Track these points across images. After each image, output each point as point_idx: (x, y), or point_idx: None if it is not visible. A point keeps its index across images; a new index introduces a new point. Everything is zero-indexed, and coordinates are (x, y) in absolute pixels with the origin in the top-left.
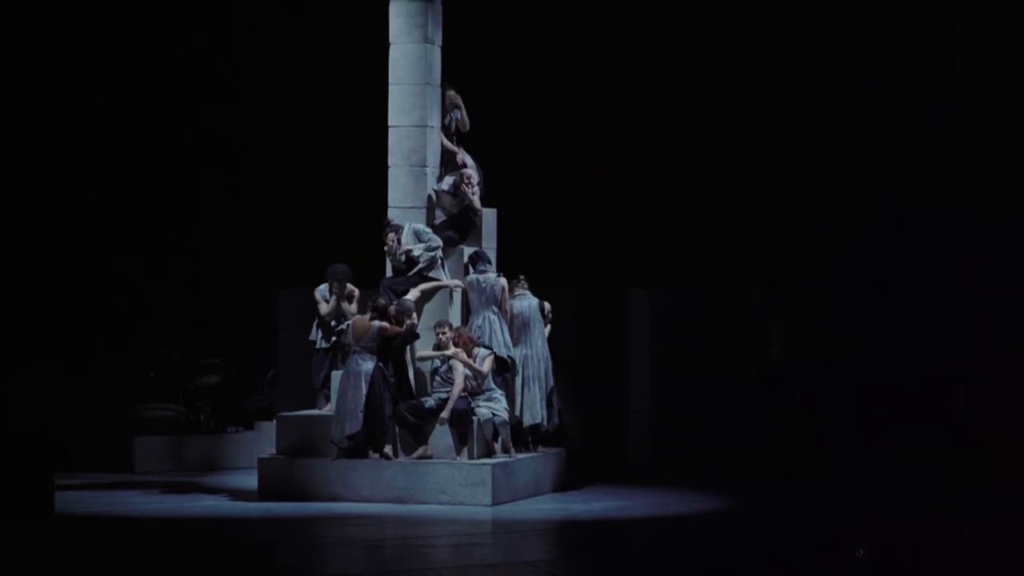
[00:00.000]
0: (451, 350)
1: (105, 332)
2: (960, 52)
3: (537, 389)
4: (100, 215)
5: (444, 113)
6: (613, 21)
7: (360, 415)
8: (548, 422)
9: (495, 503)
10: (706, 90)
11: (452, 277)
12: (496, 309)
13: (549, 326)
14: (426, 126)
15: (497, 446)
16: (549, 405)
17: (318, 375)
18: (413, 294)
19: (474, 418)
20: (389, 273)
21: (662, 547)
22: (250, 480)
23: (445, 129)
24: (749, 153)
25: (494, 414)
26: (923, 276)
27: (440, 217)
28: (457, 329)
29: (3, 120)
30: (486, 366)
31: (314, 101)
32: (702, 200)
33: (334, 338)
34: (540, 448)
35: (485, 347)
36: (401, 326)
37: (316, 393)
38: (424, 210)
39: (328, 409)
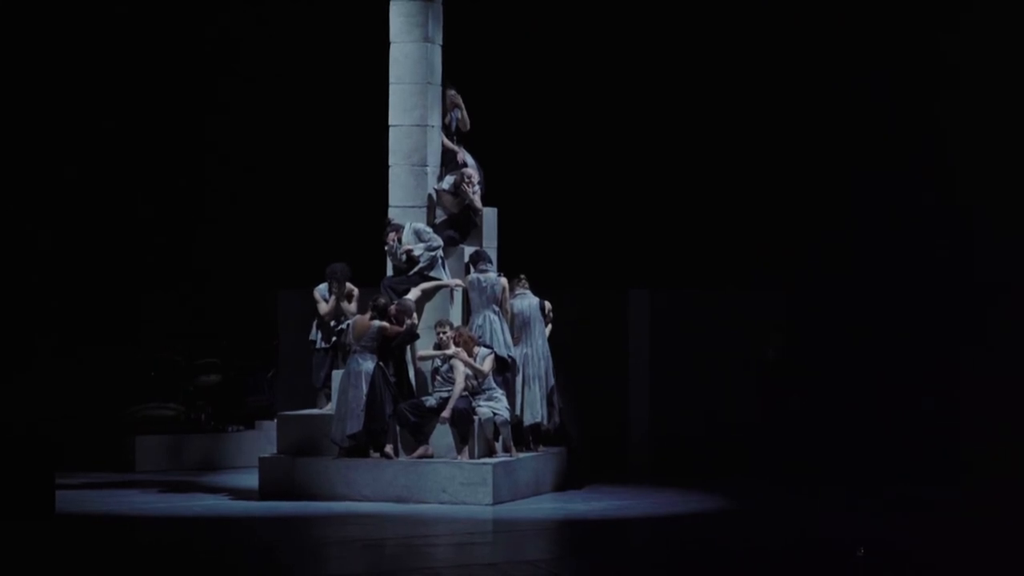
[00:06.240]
0: (452, 349)
1: (105, 333)
2: (960, 51)
3: (538, 388)
4: (99, 215)
5: (444, 112)
6: (613, 21)
7: (361, 414)
8: (549, 421)
9: (496, 502)
10: (706, 91)
11: (453, 276)
12: (497, 308)
13: (550, 325)
14: (426, 125)
15: (498, 445)
16: (550, 404)
17: (318, 374)
18: (414, 293)
19: (475, 417)
20: (390, 272)
21: (662, 547)
22: (251, 479)
23: (445, 128)
24: (749, 154)
25: (495, 413)
26: (921, 278)
27: (441, 216)
28: (458, 328)
29: (5, 121)
30: (487, 365)
31: (314, 101)
32: (702, 201)
33: (334, 338)
34: (541, 447)
35: (486, 346)
36: (401, 325)
37: (316, 392)
38: (425, 209)
39: (329, 408)
